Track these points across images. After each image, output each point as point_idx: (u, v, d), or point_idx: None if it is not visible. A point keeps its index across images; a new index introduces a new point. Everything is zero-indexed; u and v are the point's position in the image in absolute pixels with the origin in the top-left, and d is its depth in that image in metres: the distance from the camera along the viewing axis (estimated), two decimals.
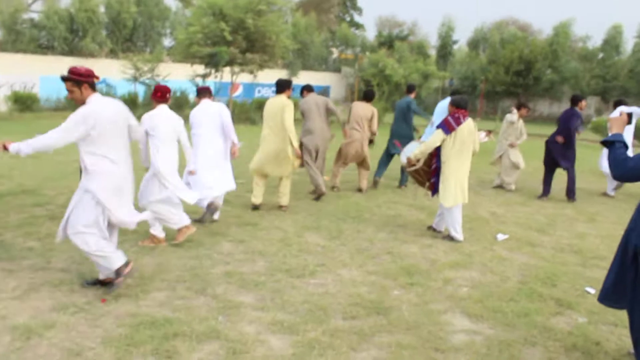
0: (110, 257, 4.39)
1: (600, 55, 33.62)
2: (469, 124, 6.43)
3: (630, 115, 3.74)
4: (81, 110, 4.26)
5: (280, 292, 4.71)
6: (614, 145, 3.33)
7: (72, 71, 4.31)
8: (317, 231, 6.71)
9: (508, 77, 31.33)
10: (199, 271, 5.11)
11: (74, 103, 4.36)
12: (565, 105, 29.94)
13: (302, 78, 31.90)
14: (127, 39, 28.31)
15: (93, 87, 4.39)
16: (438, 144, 6.43)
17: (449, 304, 4.66)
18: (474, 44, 38.31)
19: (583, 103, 9.53)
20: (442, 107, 8.86)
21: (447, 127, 6.35)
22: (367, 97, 9.21)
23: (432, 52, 36.71)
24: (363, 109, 9.02)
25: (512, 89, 31.73)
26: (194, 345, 3.70)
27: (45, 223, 6.44)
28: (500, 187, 10.29)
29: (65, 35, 25.38)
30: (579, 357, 3.88)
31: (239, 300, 4.50)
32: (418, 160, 6.75)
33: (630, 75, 31.14)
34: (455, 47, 38.92)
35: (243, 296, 4.61)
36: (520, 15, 66.29)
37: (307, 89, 8.80)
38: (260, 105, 21.78)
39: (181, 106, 21.51)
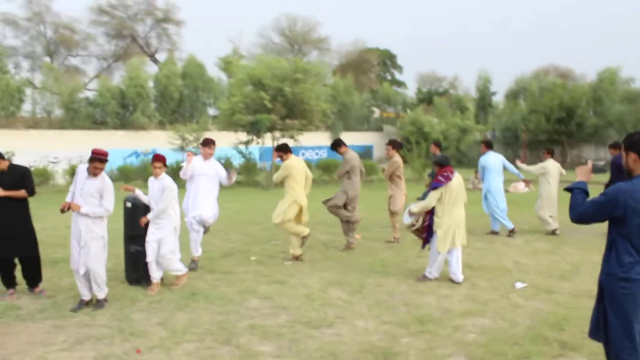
0: None
1: None
2: (457, 178, 7.22)
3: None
4: None
5: (297, 341, 5.14)
6: (573, 191, 3.73)
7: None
8: (341, 286, 7.11)
9: (550, 125, 31.24)
10: (226, 324, 5.60)
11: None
12: None
13: (344, 138, 32.68)
14: (175, 110, 30.04)
15: None
16: (436, 202, 7.15)
17: (454, 348, 4.97)
18: (514, 94, 38.50)
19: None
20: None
21: (439, 184, 7.16)
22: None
23: (473, 105, 37.02)
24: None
25: (555, 137, 31.58)
26: None
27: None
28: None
29: (117, 110, 27.22)
30: None
31: (259, 350, 4.95)
32: (417, 220, 7.48)
33: None
34: (495, 98, 39.27)
35: (264, 346, 5.06)
36: (561, 62, 66.25)
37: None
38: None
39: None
